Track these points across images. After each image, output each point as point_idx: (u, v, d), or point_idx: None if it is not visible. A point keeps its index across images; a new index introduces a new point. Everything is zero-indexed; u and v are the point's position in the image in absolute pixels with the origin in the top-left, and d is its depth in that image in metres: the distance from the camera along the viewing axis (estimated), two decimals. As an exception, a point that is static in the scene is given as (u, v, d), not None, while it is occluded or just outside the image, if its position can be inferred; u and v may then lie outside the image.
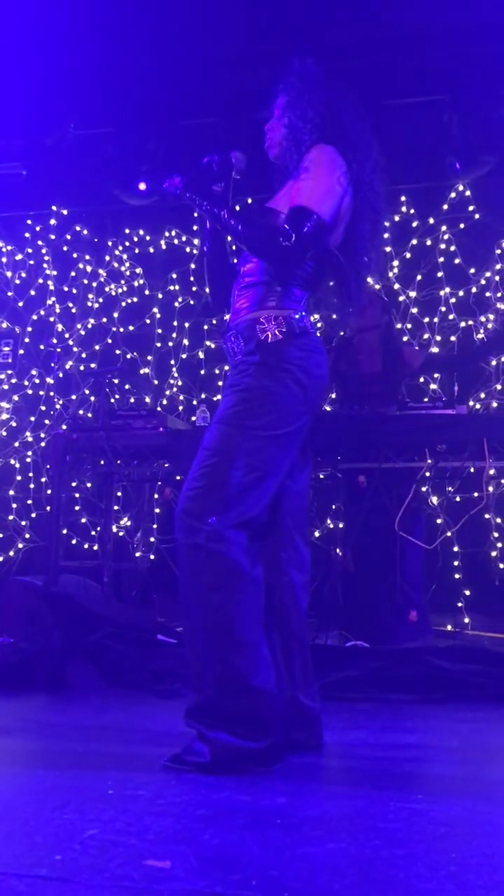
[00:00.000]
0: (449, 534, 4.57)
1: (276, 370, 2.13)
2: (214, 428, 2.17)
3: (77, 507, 5.55)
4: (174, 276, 5.87)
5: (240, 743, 1.97)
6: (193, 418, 4.71)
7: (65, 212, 5.90)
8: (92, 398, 5.81)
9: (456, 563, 4.96)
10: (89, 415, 5.55)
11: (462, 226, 5.42)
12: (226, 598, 1.98)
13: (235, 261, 2.44)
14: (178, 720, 2.09)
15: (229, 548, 2.01)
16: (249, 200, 5.32)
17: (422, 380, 5.40)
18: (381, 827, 1.57)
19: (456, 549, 4.95)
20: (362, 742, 2.38)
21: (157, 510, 5.42)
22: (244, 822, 1.59)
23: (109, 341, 5.93)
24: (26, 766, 2.09)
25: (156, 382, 5.88)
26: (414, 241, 5.49)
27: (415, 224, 5.48)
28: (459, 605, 4.85)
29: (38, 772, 2.01)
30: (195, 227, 5.83)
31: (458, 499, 5.00)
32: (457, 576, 4.95)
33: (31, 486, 5.73)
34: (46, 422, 5.84)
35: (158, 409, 5.13)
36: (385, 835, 1.53)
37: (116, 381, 5.74)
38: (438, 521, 4.94)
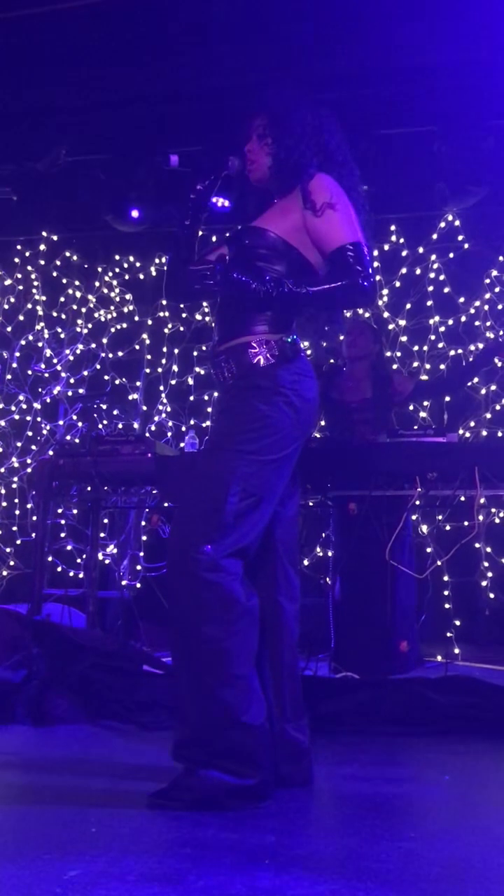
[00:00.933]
0: (439, 563, 4.53)
1: (269, 394, 2.11)
2: (208, 453, 2.13)
3: (63, 534, 5.48)
4: (163, 302, 5.86)
5: (228, 779, 1.91)
6: (182, 444, 4.67)
7: (55, 237, 5.90)
8: (79, 423, 5.77)
9: (446, 593, 4.92)
10: (77, 440, 5.50)
11: (451, 255, 5.45)
12: (220, 629, 1.93)
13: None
14: (165, 754, 2.03)
15: (225, 577, 1.96)
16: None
17: (411, 407, 5.39)
18: (374, 868, 1.52)
19: (446, 578, 4.91)
20: (352, 776, 2.32)
21: (143, 537, 5.36)
22: (231, 861, 1.54)
23: (98, 367, 5.91)
24: (5, 802, 2.02)
25: (144, 408, 5.85)
26: (403, 270, 5.51)
27: (404, 253, 5.51)
28: (449, 634, 4.80)
29: (18, 808, 1.94)
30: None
31: (447, 527, 4.97)
32: (447, 605, 4.91)
33: (17, 512, 5.66)
34: (33, 447, 5.79)
35: (147, 434, 5.09)
36: (378, 875, 1.47)
37: (104, 406, 5.70)
38: (428, 549, 4.91)
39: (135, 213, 5.09)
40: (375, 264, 5.51)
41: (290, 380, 2.14)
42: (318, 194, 2.17)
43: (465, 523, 4.52)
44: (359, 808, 2.00)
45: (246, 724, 1.92)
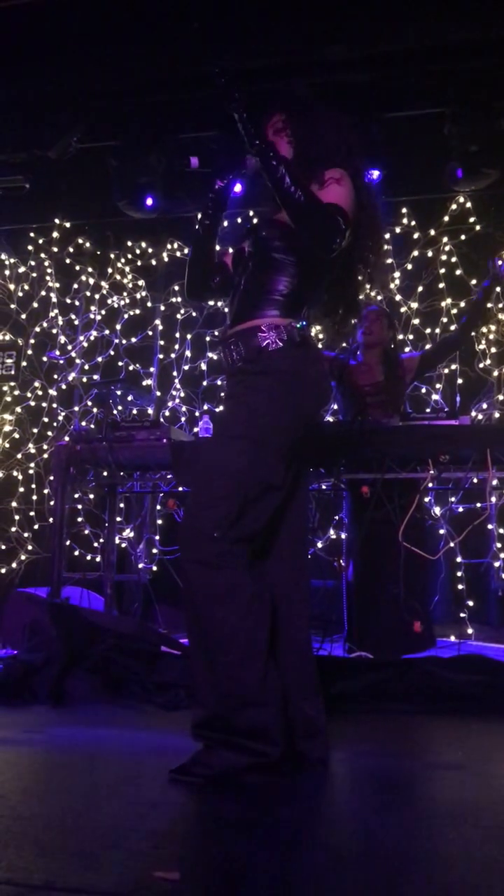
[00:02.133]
0: (452, 544, 4.57)
1: (275, 379, 2.14)
2: (217, 440, 2.17)
3: (80, 519, 5.55)
4: (176, 287, 5.89)
5: (245, 756, 1.96)
6: (196, 429, 4.71)
7: (67, 224, 5.93)
8: (94, 410, 5.83)
9: (459, 574, 4.96)
10: (92, 426, 5.56)
11: (463, 237, 5.45)
12: (232, 613, 1.98)
13: (228, 261, 2.45)
14: (183, 733, 2.09)
15: (234, 563, 2.00)
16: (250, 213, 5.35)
17: (423, 390, 5.41)
18: (394, 849, 1.56)
19: (459, 559, 4.95)
20: (368, 753, 2.37)
21: (159, 521, 5.42)
22: (253, 840, 1.59)
23: (112, 353, 5.95)
24: (30, 776, 2.09)
25: (158, 394, 5.89)
26: (415, 253, 5.51)
27: (416, 236, 5.51)
28: (462, 615, 4.84)
29: (39, 785, 2.00)
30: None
31: (460, 509, 5.00)
32: (460, 586, 4.95)
33: (34, 497, 5.73)
34: (49, 433, 5.85)
35: (161, 420, 5.14)
36: (396, 863, 1.51)
37: (119, 392, 5.75)
38: (441, 531, 4.94)
39: (149, 202, 5.11)
40: (387, 247, 5.53)
41: (297, 365, 2.17)
42: (329, 175, 2.20)
43: (478, 505, 4.55)
44: (375, 786, 2.05)
45: (261, 702, 1.97)
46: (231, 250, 2.47)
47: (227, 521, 2.02)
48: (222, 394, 5.59)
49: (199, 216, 2.45)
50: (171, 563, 4.84)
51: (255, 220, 2.42)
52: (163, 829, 1.62)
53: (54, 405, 5.89)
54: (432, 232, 5.48)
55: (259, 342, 2.17)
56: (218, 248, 2.50)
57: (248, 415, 2.12)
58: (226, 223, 4.63)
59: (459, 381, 5.36)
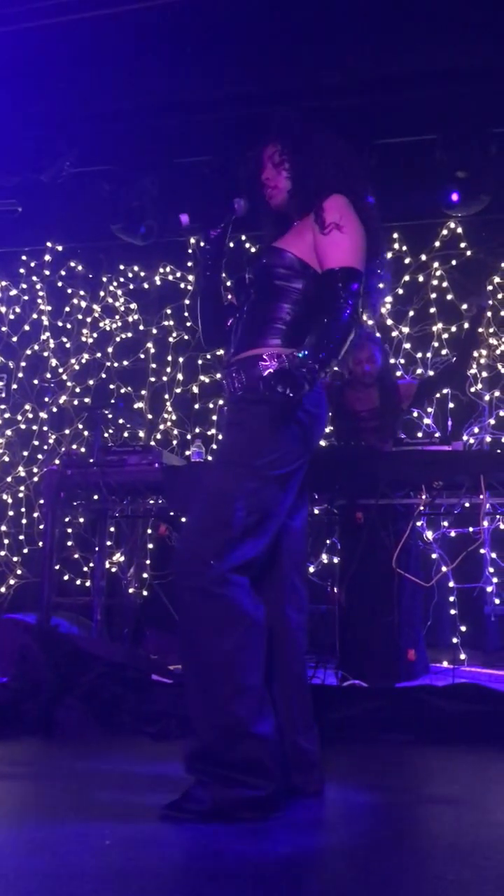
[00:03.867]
0: (444, 569, 4.54)
1: (276, 409, 2.12)
2: (215, 467, 2.15)
3: (70, 543, 5.50)
4: (168, 311, 5.89)
5: (240, 790, 1.92)
6: (188, 453, 4.69)
7: (59, 248, 5.93)
8: (85, 433, 5.80)
9: (451, 599, 4.93)
10: (83, 450, 5.53)
11: (454, 262, 5.47)
12: (228, 642, 1.95)
13: (230, 297, 2.45)
14: (175, 764, 2.05)
15: (232, 590, 1.98)
16: (243, 237, 5.36)
17: (416, 414, 5.41)
18: (389, 881, 1.53)
19: (452, 584, 4.93)
20: (364, 785, 2.33)
21: (150, 546, 5.38)
22: (249, 877, 1.55)
23: (103, 376, 5.93)
24: (17, 816, 2.03)
25: (150, 417, 5.87)
26: (406, 278, 5.53)
27: (407, 261, 5.53)
28: (455, 641, 4.81)
29: (28, 823, 1.95)
30: (189, 264, 5.88)
31: (452, 534, 4.99)
32: (452, 611, 4.92)
33: (24, 521, 5.68)
34: (39, 457, 5.82)
35: (152, 443, 5.11)
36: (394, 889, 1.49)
37: (110, 416, 5.72)
38: (434, 556, 4.92)
39: (143, 230, 5.12)
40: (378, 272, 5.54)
41: None
42: (329, 213, 2.19)
43: (470, 529, 4.54)
44: (370, 820, 2.02)
45: (257, 735, 1.94)
46: (230, 283, 2.47)
47: (227, 547, 1.99)
48: (215, 418, 5.57)
49: (200, 268, 2.45)
50: (161, 588, 4.80)
51: (259, 248, 2.43)
52: (157, 868, 1.58)
53: (45, 428, 5.87)
54: (423, 257, 5.50)
55: (261, 371, 2.16)
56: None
57: (248, 444, 2.11)
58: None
59: (451, 405, 5.36)
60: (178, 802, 1.94)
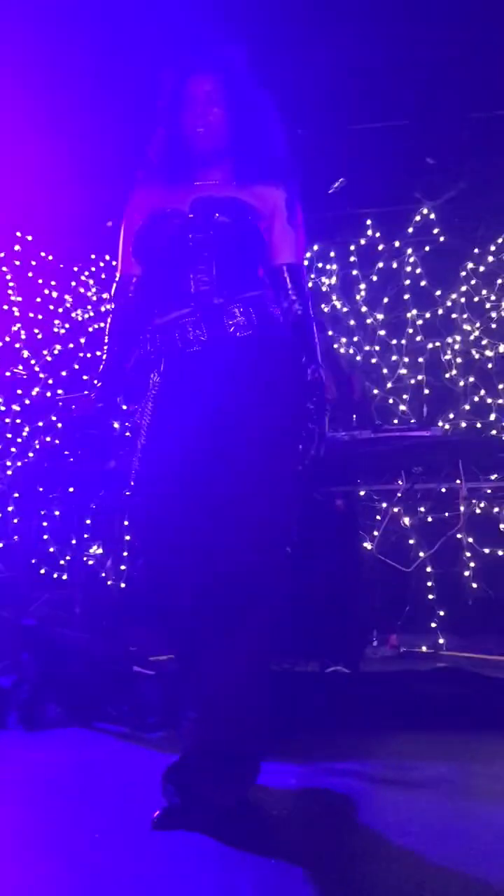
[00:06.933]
0: (422, 554, 4.57)
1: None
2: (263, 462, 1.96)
3: (45, 536, 5.44)
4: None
5: (231, 798, 1.86)
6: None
7: (29, 238, 5.84)
8: (59, 425, 5.73)
9: (429, 584, 4.96)
10: (57, 442, 5.46)
11: (427, 248, 5.48)
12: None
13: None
14: (160, 759, 2.03)
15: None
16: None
17: (391, 401, 5.43)
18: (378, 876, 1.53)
19: (429, 569, 4.95)
20: (349, 773, 2.33)
21: (127, 537, 5.34)
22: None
23: (77, 367, 5.87)
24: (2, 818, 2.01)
25: (125, 408, 5.82)
26: (380, 265, 5.53)
27: (381, 247, 5.53)
28: (433, 625, 4.84)
29: (14, 819, 1.93)
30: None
31: (429, 519, 5.01)
32: (430, 596, 4.95)
33: (-1, 515, 5.61)
34: (13, 450, 5.74)
35: (127, 434, 5.07)
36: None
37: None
38: (411, 541, 4.94)
39: (109, 223, 5.05)
40: (352, 259, 5.55)
41: None
42: (292, 204, 2.14)
43: (447, 514, 4.56)
44: (365, 807, 2.01)
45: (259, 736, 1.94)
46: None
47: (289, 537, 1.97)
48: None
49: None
50: (141, 580, 4.76)
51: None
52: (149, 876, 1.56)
53: (18, 421, 5.79)
54: (397, 243, 5.50)
55: (273, 314, 2.13)
56: None
57: (288, 436, 2.04)
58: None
59: (426, 391, 5.38)
60: (164, 816, 1.83)
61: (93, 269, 5.97)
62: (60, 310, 5.95)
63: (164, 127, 2.15)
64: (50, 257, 5.93)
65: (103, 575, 5.14)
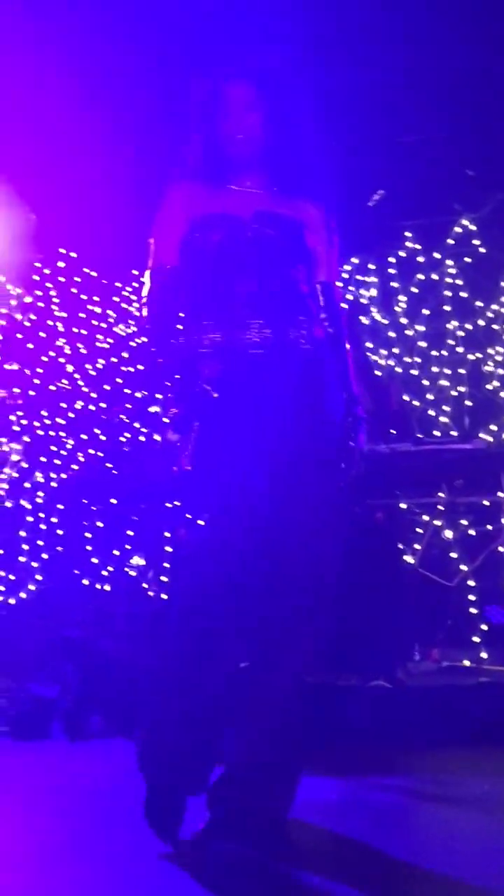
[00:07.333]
0: (464, 568, 4.52)
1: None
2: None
3: (88, 548, 5.50)
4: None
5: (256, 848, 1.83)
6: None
7: (73, 255, 5.94)
8: (102, 437, 5.80)
9: (472, 598, 4.90)
10: (100, 454, 5.54)
11: (468, 259, 5.45)
12: None
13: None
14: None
15: None
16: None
17: (432, 412, 5.40)
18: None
19: (471, 583, 4.90)
20: (389, 788, 2.31)
21: (168, 549, 5.38)
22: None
23: (119, 381, 5.94)
24: (44, 825, 2.03)
25: (166, 421, 5.87)
26: (420, 276, 5.52)
27: (420, 259, 5.52)
28: (476, 639, 4.79)
29: (55, 831, 1.95)
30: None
31: (472, 532, 4.96)
32: (473, 610, 4.89)
33: (43, 526, 5.69)
34: (57, 462, 5.82)
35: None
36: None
37: (127, 420, 5.73)
38: (453, 554, 4.90)
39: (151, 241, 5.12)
40: (391, 270, 5.55)
41: None
42: (333, 230, 2.16)
43: (489, 527, 4.52)
44: (407, 824, 2.00)
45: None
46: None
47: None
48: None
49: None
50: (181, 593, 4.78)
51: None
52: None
53: (62, 433, 5.87)
54: (437, 255, 5.48)
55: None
56: None
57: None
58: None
59: (468, 402, 5.34)
60: (190, 848, 1.83)
61: (135, 284, 6.05)
62: (103, 325, 6.04)
63: (201, 132, 2.14)
64: (93, 273, 6.03)
65: (145, 586, 5.19)
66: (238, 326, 1.97)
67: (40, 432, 5.91)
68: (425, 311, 5.51)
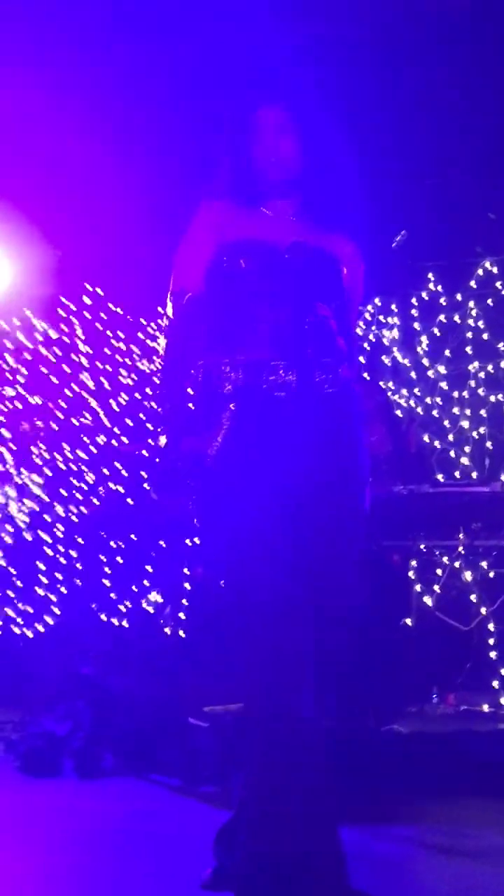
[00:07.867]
0: (483, 611, 4.47)
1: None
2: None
3: (107, 582, 5.52)
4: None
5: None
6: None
7: (99, 291, 6.04)
8: (124, 473, 5.84)
9: (491, 642, 4.83)
10: (121, 489, 5.57)
11: (490, 301, 5.47)
12: None
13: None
14: (212, 814, 2.02)
15: None
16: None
17: (453, 454, 5.38)
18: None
19: (491, 626, 4.84)
20: (407, 840, 2.27)
21: (186, 585, 5.38)
22: None
23: (142, 416, 6.00)
24: (52, 868, 2.02)
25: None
26: (442, 317, 5.54)
27: (442, 300, 5.55)
28: (495, 684, 4.71)
29: (65, 874, 1.94)
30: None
31: (491, 574, 4.90)
32: (492, 654, 4.82)
33: (62, 560, 5.72)
34: (78, 496, 5.86)
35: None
36: None
37: (148, 455, 5.77)
38: (472, 597, 4.84)
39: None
40: (413, 311, 5.58)
41: None
42: (361, 276, 2.13)
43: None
44: (420, 877, 1.96)
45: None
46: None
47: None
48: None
49: None
50: (199, 628, 4.78)
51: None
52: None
53: (83, 468, 5.92)
54: (459, 296, 5.51)
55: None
56: None
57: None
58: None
59: (488, 444, 5.32)
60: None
61: (160, 321, 6.13)
62: (128, 361, 6.12)
63: (232, 155, 2.05)
64: (119, 310, 6.12)
65: (161, 622, 5.18)
66: (262, 367, 1.88)
67: (62, 466, 5.97)
68: (447, 353, 5.53)
